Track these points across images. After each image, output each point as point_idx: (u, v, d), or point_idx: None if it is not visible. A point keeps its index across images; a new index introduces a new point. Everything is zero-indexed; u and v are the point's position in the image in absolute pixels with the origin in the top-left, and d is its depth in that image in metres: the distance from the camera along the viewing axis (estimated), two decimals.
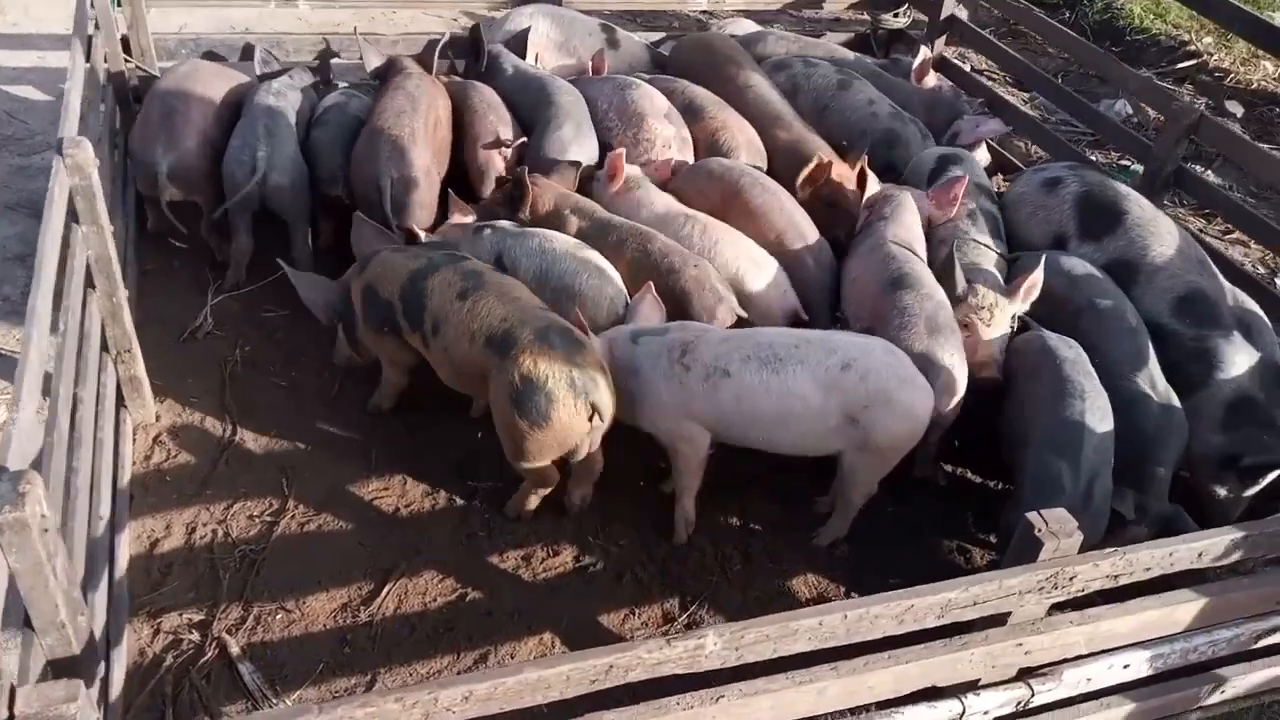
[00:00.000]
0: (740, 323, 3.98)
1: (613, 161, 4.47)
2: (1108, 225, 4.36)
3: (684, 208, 4.40)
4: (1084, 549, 3.15)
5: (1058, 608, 2.85)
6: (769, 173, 4.76)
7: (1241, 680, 3.23)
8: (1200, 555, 2.76)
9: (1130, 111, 6.89)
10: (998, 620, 2.76)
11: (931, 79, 5.71)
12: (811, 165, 4.59)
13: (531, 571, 3.79)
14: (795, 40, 6.01)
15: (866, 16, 6.87)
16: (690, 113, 4.96)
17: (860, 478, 3.75)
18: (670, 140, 4.77)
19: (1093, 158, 6.17)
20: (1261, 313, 4.15)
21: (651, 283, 3.90)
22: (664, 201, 4.43)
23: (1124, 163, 6.26)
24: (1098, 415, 3.64)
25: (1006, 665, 2.79)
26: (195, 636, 3.40)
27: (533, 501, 3.88)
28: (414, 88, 4.85)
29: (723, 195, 4.44)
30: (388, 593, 3.62)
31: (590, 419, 3.50)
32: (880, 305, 3.93)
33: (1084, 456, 3.53)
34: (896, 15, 6.74)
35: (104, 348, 3.83)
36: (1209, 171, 6.36)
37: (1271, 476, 3.93)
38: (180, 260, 5.03)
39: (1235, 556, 2.82)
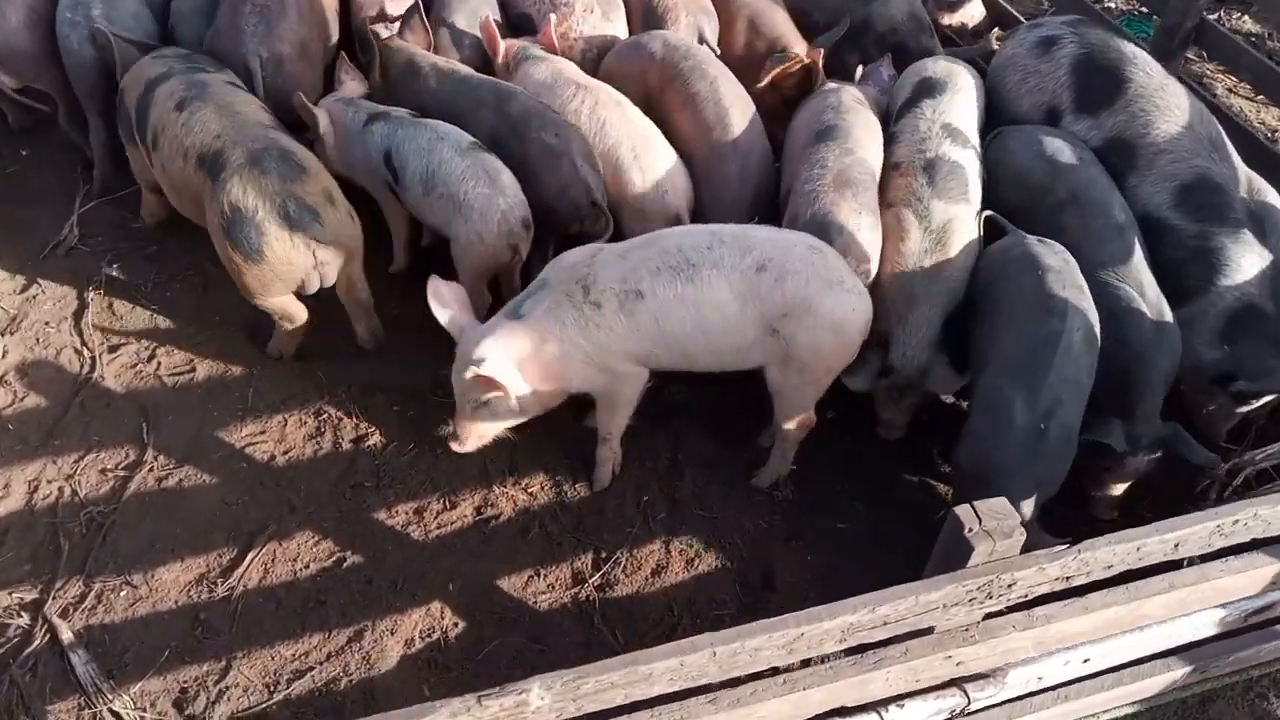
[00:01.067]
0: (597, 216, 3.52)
1: (483, 28, 3.89)
2: (1106, 96, 3.64)
3: (578, 76, 3.79)
4: (1040, 491, 2.69)
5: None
6: (721, 40, 4.10)
7: (1225, 660, 2.75)
8: (1176, 547, 2.23)
9: None
10: (925, 630, 2.27)
11: None
12: (785, 65, 3.90)
13: (424, 528, 3.33)
14: None
15: None
16: None
17: (790, 401, 3.24)
18: (592, 4, 4.06)
19: (1110, 7, 5.31)
20: None
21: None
22: (552, 70, 3.79)
23: (1142, 13, 5.39)
24: (1078, 337, 3.04)
25: (933, 678, 2.32)
26: (24, 620, 3.00)
27: (288, 341, 3.63)
28: None
29: (659, 78, 3.77)
30: (252, 560, 3.18)
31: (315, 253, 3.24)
32: (799, 160, 3.55)
33: (1045, 384, 2.96)
34: None
35: None
36: (1245, 18, 5.47)
37: (1267, 399, 3.38)
38: (49, 161, 4.43)
39: (1218, 544, 2.28)
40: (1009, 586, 2.13)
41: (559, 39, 4.00)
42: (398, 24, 4.06)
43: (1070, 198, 3.44)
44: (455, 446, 3.21)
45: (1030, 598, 2.21)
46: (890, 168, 3.59)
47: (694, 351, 3.12)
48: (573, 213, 3.52)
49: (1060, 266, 3.19)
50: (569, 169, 3.46)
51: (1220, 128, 3.57)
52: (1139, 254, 3.33)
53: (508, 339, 3.00)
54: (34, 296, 3.89)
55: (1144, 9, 5.40)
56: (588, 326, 3.01)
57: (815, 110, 3.75)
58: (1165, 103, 3.55)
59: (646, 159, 3.54)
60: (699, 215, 3.61)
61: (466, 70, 3.87)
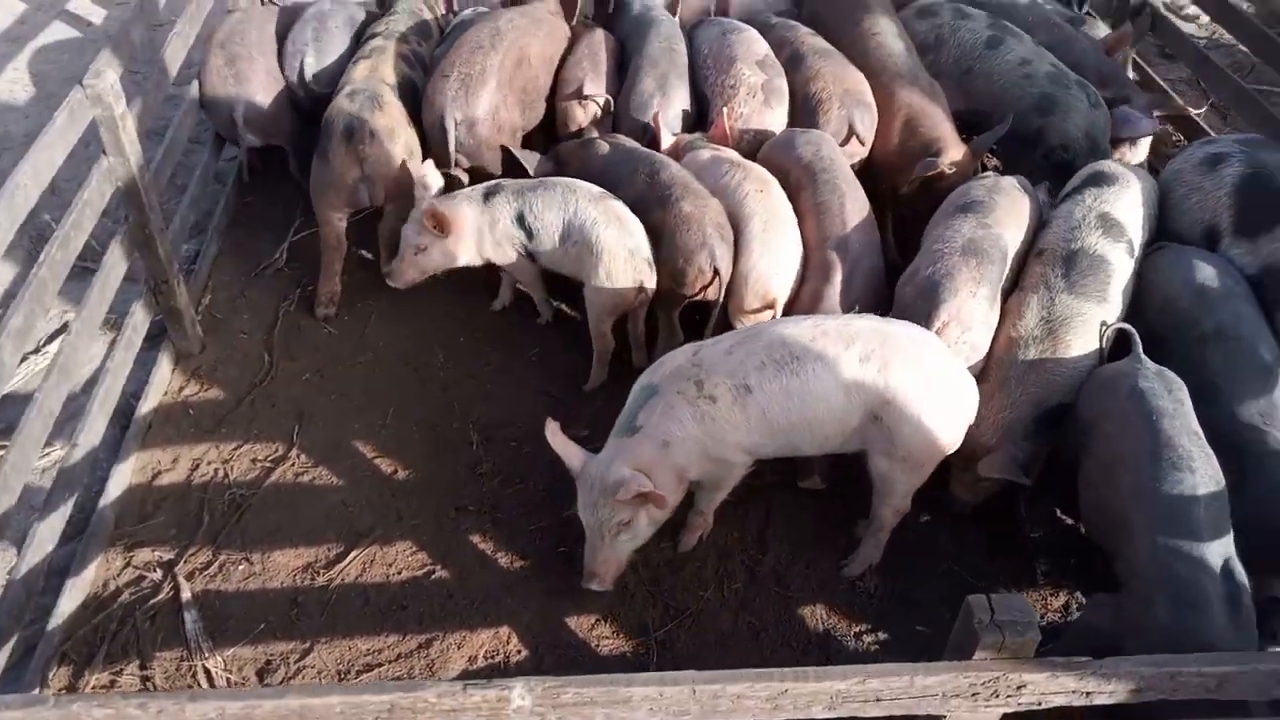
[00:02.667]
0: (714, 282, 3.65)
1: (653, 121, 4.19)
2: (1268, 221, 3.45)
3: (735, 157, 4.00)
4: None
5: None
6: (879, 133, 4.23)
7: None
8: (1220, 685, 2.07)
9: None
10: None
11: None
12: (932, 173, 4.02)
13: (510, 558, 3.53)
14: None
15: None
16: (793, 61, 4.45)
17: (890, 487, 3.23)
18: (757, 88, 4.29)
19: None
20: None
21: None
22: (714, 154, 4.02)
23: None
24: (1210, 487, 2.84)
25: None
26: (157, 575, 3.42)
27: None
28: (504, 22, 4.58)
29: (798, 180, 3.93)
30: (353, 558, 3.49)
31: None
32: (934, 228, 3.62)
33: (1212, 550, 2.74)
34: None
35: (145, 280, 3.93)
36: None
37: None
38: (280, 195, 5.09)
39: (1277, 694, 2.09)
40: (1019, 688, 2.06)
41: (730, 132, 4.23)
42: (591, 102, 4.45)
43: (1215, 332, 3.25)
44: (597, 586, 3.18)
45: (1044, 707, 2.11)
46: (1034, 255, 3.55)
47: (799, 441, 3.19)
48: (697, 277, 3.69)
49: (1173, 410, 3.01)
50: (698, 235, 3.65)
51: None
52: None
53: (633, 454, 3.01)
54: (238, 307, 4.47)
55: None
56: (704, 420, 3.04)
57: (966, 189, 3.80)
58: None
59: (774, 238, 3.68)
60: (792, 311, 3.69)
61: (632, 142, 4.19)
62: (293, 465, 3.80)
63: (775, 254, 3.66)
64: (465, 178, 4.39)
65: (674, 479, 3.10)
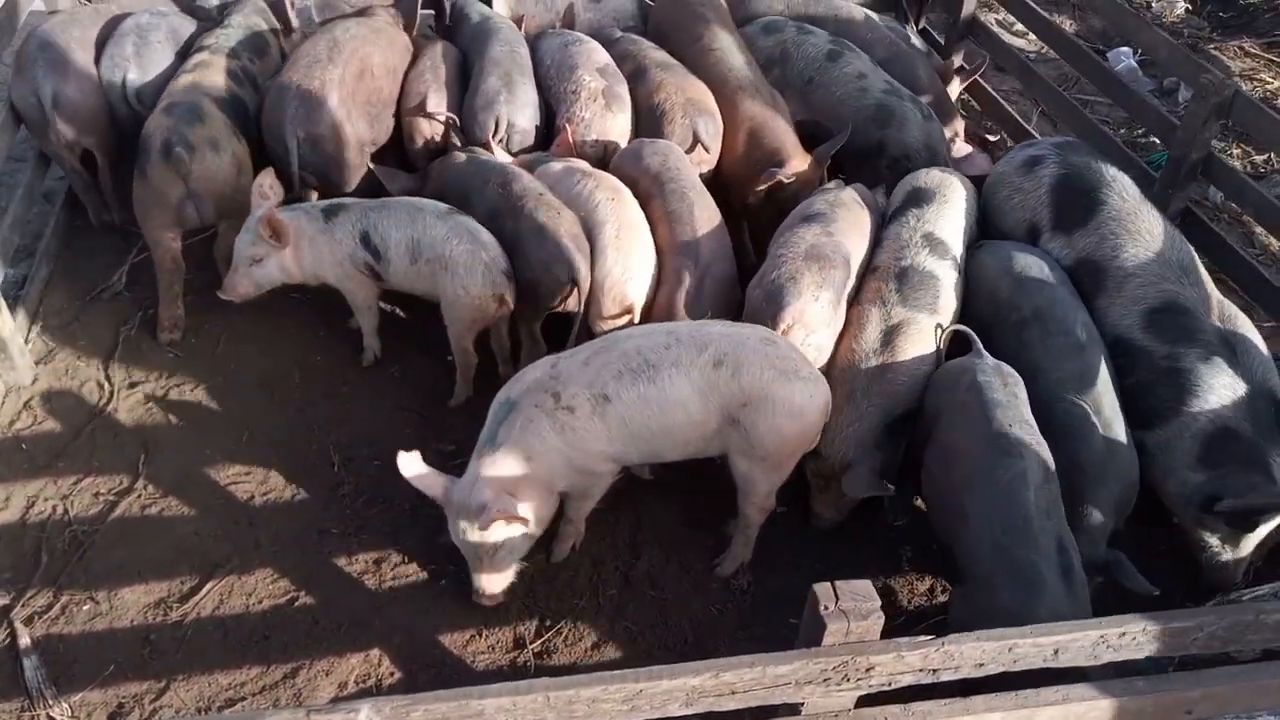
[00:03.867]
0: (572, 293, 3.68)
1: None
2: (1080, 217, 3.67)
3: (586, 167, 4.01)
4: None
5: (882, 698, 2.31)
6: (725, 145, 4.32)
7: None
8: (1056, 654, 2.18)
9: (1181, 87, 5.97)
10: (791, 709, 2.26)
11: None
12: (773, 182, 4.10)
13: (378, 579, 3.45)
14: None
15: None
16: (637, 74, 4.51)
17: (754, 487, 3.28)
18: (598, 93, 4.34)
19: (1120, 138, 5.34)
20: (1257, 336, 3.40)
21: None
22: (566, 165, 4.04)
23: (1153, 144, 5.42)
24: (1039, 473, 2.99)
25: None
26: None
27: None
28: (341, 33, 4.44)
29: (647, 189, 3.96)
30: (209, 590, 3.35)
31: None
32: (780, 237, 3.72)
33: (1042, 529, 2.88)
34: None
35: None
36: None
37: (1269, 526, 3.25)
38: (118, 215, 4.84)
39: (1106, 658, 2.22)
40: (867, 670, 2.12)
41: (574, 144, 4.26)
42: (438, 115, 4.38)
43: (1033, 315, 3.45)
44: (489, 603, 3.23)
45: (894, 687, 2.18)
46: (869, 272, 3.67)
47: (661, 448, 3.22)
48: (554, 287, 3.69)
49: (1007, 401, 3.16)
50: (554, 245, 3.65)
51: (1193, 253, 3.55)
52: (1100, 374, 3.30)
53: (495, 472, 3.01)
54: (73, 333, 4.24)
55: (1155, 140, 5.42)
56: (564, 431, 3.04)
57: (810, 201, 3.89)
58: (1137, 227, 3.57)
59: (627, 244, 3.71)
60: (648, 316, 3.72)
61: (485, 154, 4.16)
62: (139, 497, 3.62)
63: (630, 260, 3.69)
64: (314, 196, 4.27)
65: (541, 492, 3.10)
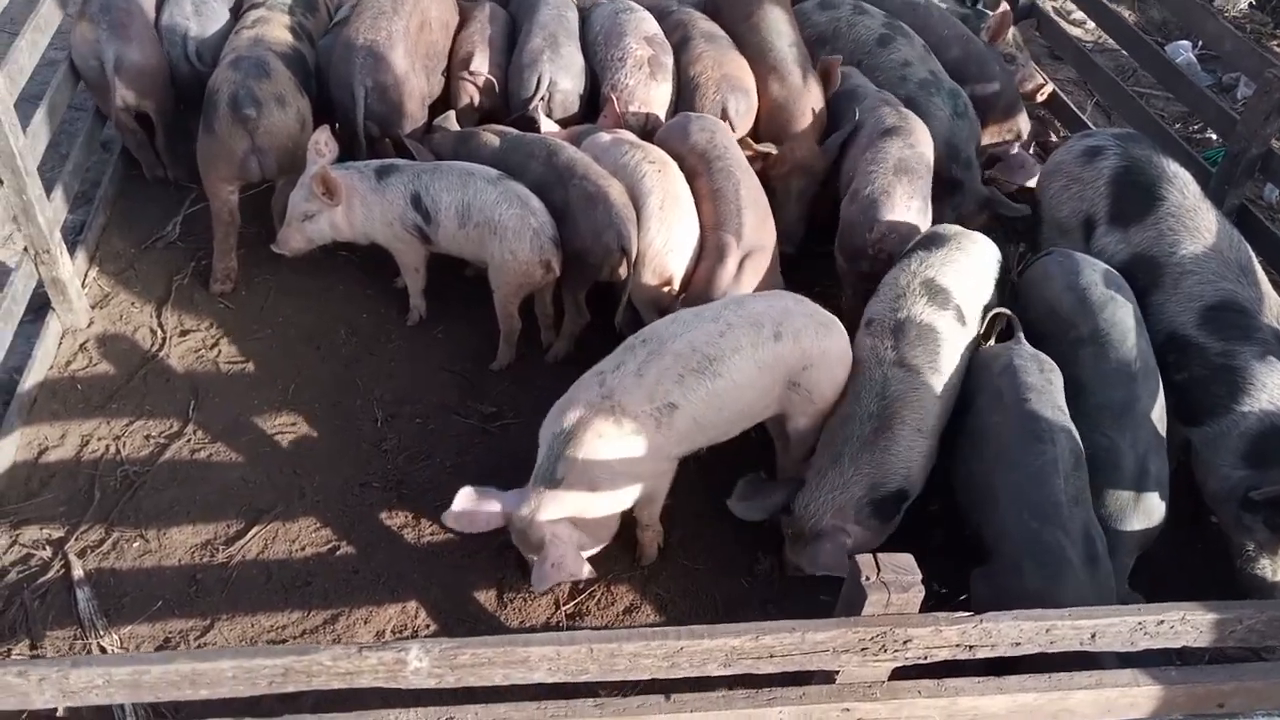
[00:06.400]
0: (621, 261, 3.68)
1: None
2: (1139, 211, 3.63)
3: (633, 138, 4.03)
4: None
5: (915, 672, 2.34)
6: (758, 120, 4.30)
7: None
8: (1093, 637, 2.20)
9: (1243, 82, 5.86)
10: (827, 677, 2.29)
11: (1010, 35, 4.97)
12: (761, 161, 4.14)
13: (418, 533, 3.51)
14: None
15: None
16: (682, 44, 4.51)
17: (806, 439, 3.36)
18: (644, 61, 4.34)
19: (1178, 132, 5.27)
20: None
21: None
22: (614, 136, 4.04)
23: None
24: (1069, 460, 3.01)
25: None
26: (46, 553, 3.31)
27: None
28: None
29: (694, 165, 3.95)
30: (254, 535, 3.43)
31: None
32: (867, 153, 3.95)
33: (1071, 515, 2.91)
34: None
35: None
36: None
37: None
38: (172, 172, 4.91)
39: (1143, 644, 2.23)
40: (904, 643, 2.15)
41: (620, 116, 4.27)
42: (478, 77, 4.41)
43: (1091, 335, 3.36)
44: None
45: (930, 660, 2.21)
46: (862, 324, 3.43)
47: (726, 431, 3.25)
48: (604, 256, 3.71)
49: (1042, 386, 3.16)
50: (604, 213, 3.68)
51: (1251, 253, 3.52)
52: (1145, 406, 3.23)
53: (558, 512, 2.92)
54: (128, 279, 4.33)
55: (1211, 135, 5.34)
56: (632, 453, 2.95)
57: (879, 115, 4.16)
58: (1196, 224, 3.53)
59: (671, 216, 3.73)
60: (685, 289, 3.75)
61: (518, 131, 4.17)
62: (189, 441, 3.71)
63: (672, 232, 3.71)
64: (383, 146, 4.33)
65: (608, 520, 3.08)
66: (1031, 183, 4.33)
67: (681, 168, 3.94)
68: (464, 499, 2.97)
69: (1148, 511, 3.13)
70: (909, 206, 3.82)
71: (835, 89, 4.44)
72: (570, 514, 2.94)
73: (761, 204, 3.84)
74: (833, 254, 4.15)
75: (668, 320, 3.24)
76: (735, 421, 3.22)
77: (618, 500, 3.06)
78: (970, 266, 3.52)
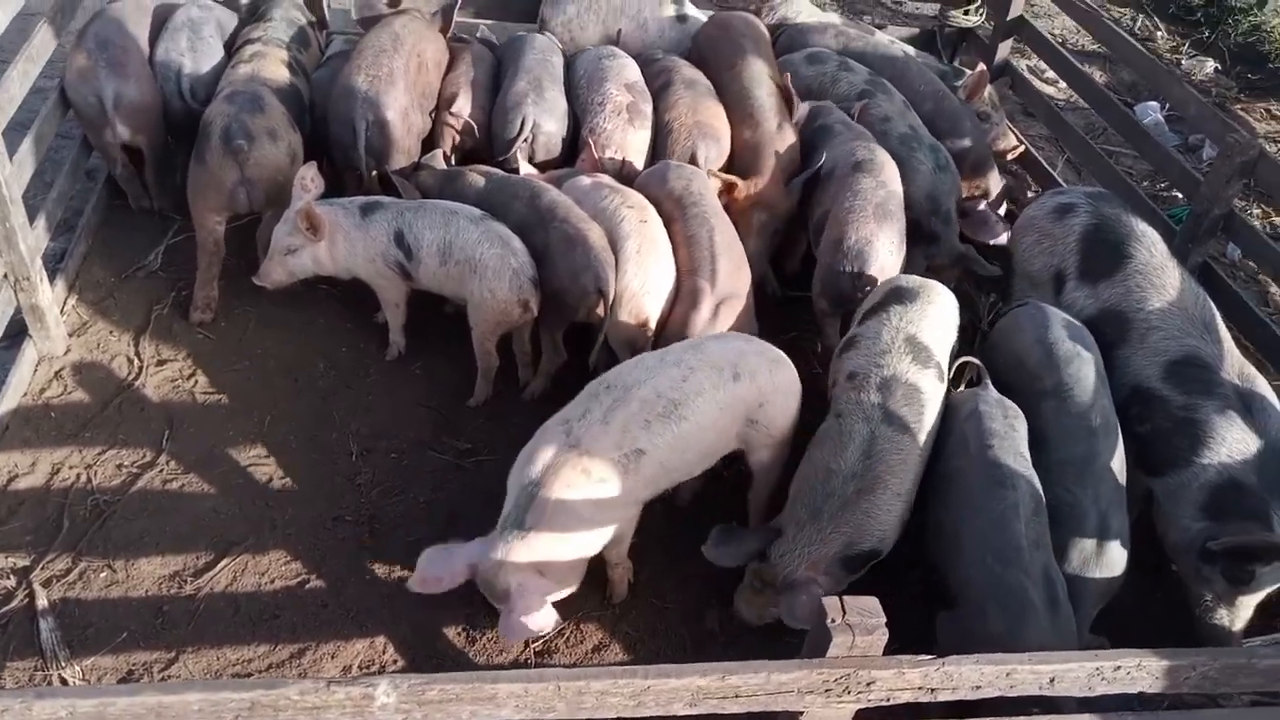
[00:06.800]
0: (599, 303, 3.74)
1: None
2: (1108, 268, 3.74)
3: (613, 183, 4.11)
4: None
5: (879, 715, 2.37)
6: (731, 163, 4.41)
7: None
8: (1052, 682, 2.24)
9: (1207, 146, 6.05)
10: (791, 717, 2.32)
11: (986, 93, 5.12)
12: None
13: (389, 569, 3.51)
14: (855, 35, 5.37)
15: (938, 9, 6.23)
16: (662, 90, 4.62)
17: (772, 473, 3.47)
18: (622, 107, 4.45)
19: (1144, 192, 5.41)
20: (1274, 395, 3.46)
21: None
22: (594, 180, 4.12)
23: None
24: (1030, 505, 3.08)
25: None
26: (10, 583, 3.28)
27: None
28: (400, 26, 4.59)
29: (670, 211, 4.03)
30: (224, 567, 3.42)
31: None
32: (838, 192, 4.04)
33: (1032, 560, 2.97)
34: (967, 12, 6.08)
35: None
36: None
37: (1268, 579, 3.28)
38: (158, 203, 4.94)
39: (1100, 690, 2.27)
40: (868, 685, 2.18)
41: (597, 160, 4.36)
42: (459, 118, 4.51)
43: (1054, 389, 3.42)
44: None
45: (892, 703, 2.24)
46: (846, 379, 3.42)
47: (689, 471, 3.30)
48: (581, 297, 3.77)
49: (1004, 432, 3.24)
50: (582, 255, 3.74)
51: (1215, 310, 3.61)
52: (1105, 460, 3.29)
53: (526, 557, 2.92)
54: (107, 308, 4.33)
55: (1177, 194, 5.49)
56: (601, 500, 2.98)
57: (851, 149, 4.27)
58: (1162, 281, 3.63)
59: (648, 259, 3.79)
60: (660, 333, 3.80)
61: (502, 172, 4.26)
62: (161, 471, 3.70)
63: (649, 274, 3.77)
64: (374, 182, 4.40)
65: (577, 565, 3.10)
66: (996, 241, 4.44)
67: (659, 212, 4.01)
68: (426, 563, 2.97)
69: (1110, 564, 3.18)
70: (891, 251, 3.95)
71: (804, 113, 4.54)
72: (539, 560, 2.95)
73: (735, 250, 3.91)
74: (806, 298, 4.22)
75: (630, 365, 3.29)
76: (697, 462, 3.27)
77: (586, 546, 3.08)
78: (942, 320, 3.59)
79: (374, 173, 4.37)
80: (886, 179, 4.10)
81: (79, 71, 4.34)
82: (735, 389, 3.19)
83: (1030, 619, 2.83)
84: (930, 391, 3.36)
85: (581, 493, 2.95)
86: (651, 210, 3.98)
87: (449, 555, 2.98)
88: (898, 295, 3.62)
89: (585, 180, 4.13)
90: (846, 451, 3.20)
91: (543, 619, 2.89)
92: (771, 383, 3.28)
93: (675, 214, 3.97)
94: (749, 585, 3.28)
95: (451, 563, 2.97)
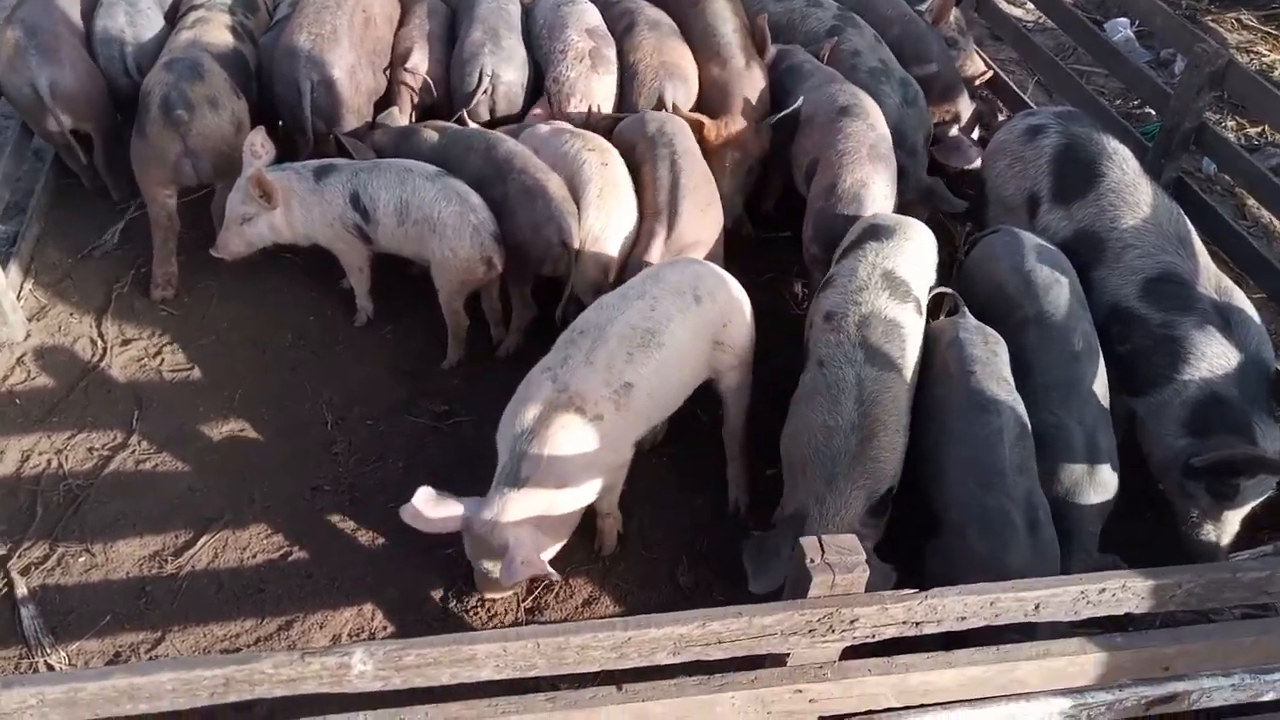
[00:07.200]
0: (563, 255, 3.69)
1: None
2: (1080, 188, 3.68)
3: (569, 126, 4.05)
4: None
5: (866, 650, 2.35)
6: (700, 103, 4.31)
7: None
8: (1036, 608, 2.22)
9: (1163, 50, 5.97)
10: (778, 660, 2.30)
11: (953, 18, 5.02)
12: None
13: (371, 536, 3.48)
14: None
15: None
16: (626, 32, 4.50)
17: (742, 395, 3.45)
18: (584, 54, 4.34)
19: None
20: (1251, 308, 3.43)
21: None
22: (551, 126, 4.06)
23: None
24: (1014, 430, 3.05)
25: (786, 714, 2.33)
26: None
27: None
28: None
29: (641, 153, 3.95)
30: (204, 544, 3.38)
31: None
32: (827, 136, 3.94)
33: (1014, 482, 2.95)
34: None
35: None
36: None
37: (1252, 492, 3.28)
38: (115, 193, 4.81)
39: (1086, 613, 2.26)
40: (851, 623, 2.16)
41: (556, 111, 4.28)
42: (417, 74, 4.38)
43: (1035, 318, 3.38)
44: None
45: (878, 639, 2.22)
46: (824, 319, 3.32)
47: (670, 403, 3.27)
48: (545, 250, 3.70)
49: (986, 359, 3.21)
50: (543, 207, 3.66)
51: (1190, 226, 3.57)
52: (1089, 384, 3.27)
53: (524, 512, 2.88)
54: (65, 290, 4.24)
55: (1150, 111, 5.42)
56: (600, 439, 2.95)
57: (834, 92, 4.16)
58: (1135, 198, 3.58)
59: (609, 202, 3.73)
60: (621, 275, 3.73)
61: (458, 125, 4.16)
62: (133, 452, 3.64)
63: (610, 218, 3.72)
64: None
65: (572, 515, 3.06)
66: (971, 165, 4.36)
67: (632, 157, 3.94)
68: (423, 498, 2.92)
69: (1103, 484, 3.16)
70: (887, 195, 3.85)
71: (772, 55, 4.45)
72: (536, 513, 2.91)
73: (702, 194, 3.82)
74: (781, 239, 4.16)
75: (594, 309, 3.23)
76: (677, 392, 3.25)
77: (582, 495, 3.04)
78: (920, 255, 3.52)
79: (330, 136, 4.26)
80: (875, 122, 4.01)
81: (9, 61, 4.17)
82: (700, 311, 3.20)
83: (1012, 542, 2.82)
84: (910, 326, 3.29)
85: (578, 435, 2.92)
86: (614, 153, 3.90)
87: (446, 500, 2.93)
88: (873, 233, 3.54)
89: (543, 128, 4.04)
90: (840, 404, 3.10)
91: (541, 565, 2.83)
92: (730, 300, 3.30)
93: (645, 155, 3.90)
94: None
95: (447, 509, 2.91)
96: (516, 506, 2.89)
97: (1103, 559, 3.09)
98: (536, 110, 4.23)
